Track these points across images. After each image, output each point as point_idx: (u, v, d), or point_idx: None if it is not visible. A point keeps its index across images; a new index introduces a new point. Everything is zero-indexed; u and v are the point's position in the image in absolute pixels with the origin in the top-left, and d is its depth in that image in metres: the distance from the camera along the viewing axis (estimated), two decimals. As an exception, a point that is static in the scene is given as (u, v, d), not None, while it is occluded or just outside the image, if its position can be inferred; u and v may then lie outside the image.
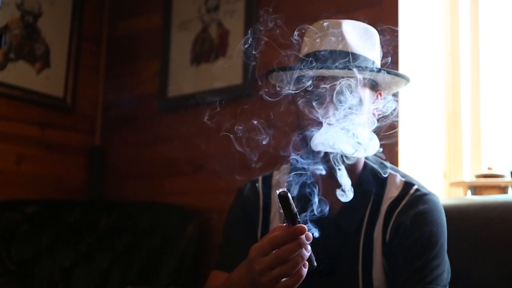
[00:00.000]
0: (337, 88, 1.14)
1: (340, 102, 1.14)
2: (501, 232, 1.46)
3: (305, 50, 1.23)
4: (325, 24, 1.22)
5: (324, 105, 1.15)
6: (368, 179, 1.25)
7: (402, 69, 1.84)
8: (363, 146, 1.17)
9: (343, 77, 1.14)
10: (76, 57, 2.69)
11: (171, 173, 2.49)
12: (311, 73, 1.15)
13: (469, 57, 2.14)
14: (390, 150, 1.83)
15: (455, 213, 1.52)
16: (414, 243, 1.17)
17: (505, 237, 1.45)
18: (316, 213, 1.21)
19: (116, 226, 2.31)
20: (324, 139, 1.11)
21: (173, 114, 2.52)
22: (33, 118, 2.52)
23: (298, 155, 1.16)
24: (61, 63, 2.63)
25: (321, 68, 1.15)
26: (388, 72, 1.23)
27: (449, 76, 2.15)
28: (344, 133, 1.13)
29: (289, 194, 0.93)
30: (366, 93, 1.22)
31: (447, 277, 1.18)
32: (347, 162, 1.20)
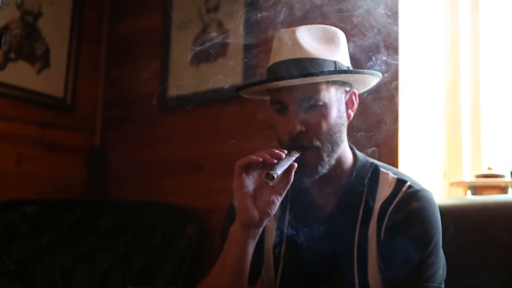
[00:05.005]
0: (296, 96, 1.16)
1: (304, 108, 1.16)
2: (501, 232, 1.46)
3: (268, 63, 1.25)
4: (280, 34, 1.22)
5: (288, 115, 1.18)
6: (360, 179, 1.25)
7: (402, 69, 1.84)
8: (339, 146, 1.21)
9: (297, 85, 1.16)
10: (76, 57, 2.69)
11: (171, 173, 2.49)
12: (270, 85, 1.19)
13: (469, 57, 2.14)
14: (390, 150, 1.84)
15: (455, 213, 1.52)
16: (409, 241, 1.17)
17: (505, 237, 1.45)
18: (308, 216, 1.22)
19: (116, 226, 2.31)
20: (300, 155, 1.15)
21: (173, 114, 2.51)
22: (33, 118, 2.52)
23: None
24: (61, 63, 2.63)
25: (274, 80, 1.17)
26: (350, 72, 1.22)
27: (449, 76, 2.15)
28: (318, 137, 1.16)
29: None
30: (332, 95, 1.21)
31: (443, 274, 1.18)
32: (331, 163, 1.21)
